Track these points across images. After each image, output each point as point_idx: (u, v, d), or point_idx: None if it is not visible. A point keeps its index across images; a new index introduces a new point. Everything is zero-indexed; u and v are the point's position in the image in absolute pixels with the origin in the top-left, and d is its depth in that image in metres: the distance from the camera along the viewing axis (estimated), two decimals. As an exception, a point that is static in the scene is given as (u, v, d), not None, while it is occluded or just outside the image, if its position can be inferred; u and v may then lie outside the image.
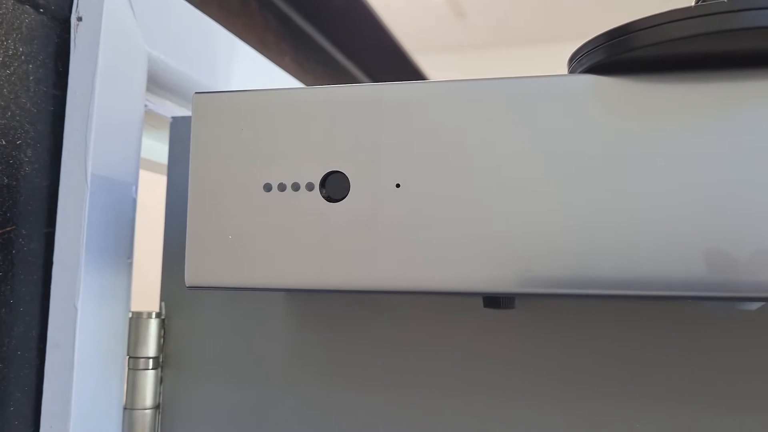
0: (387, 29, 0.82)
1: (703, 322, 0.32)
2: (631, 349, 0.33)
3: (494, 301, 0.32)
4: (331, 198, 0.28)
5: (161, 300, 0.40)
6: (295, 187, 0.28)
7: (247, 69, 0.50)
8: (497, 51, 3.08)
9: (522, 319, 0.34)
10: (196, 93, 0.29)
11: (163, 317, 0.40)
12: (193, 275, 0.29)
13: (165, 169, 0.41)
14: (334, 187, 0.28)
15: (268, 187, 0.28)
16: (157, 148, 0.47)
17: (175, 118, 0.41)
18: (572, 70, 0.28)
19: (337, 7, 0.79)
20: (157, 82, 0.40)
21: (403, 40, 0.91)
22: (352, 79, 0.93)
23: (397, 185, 0.27)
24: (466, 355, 0.35)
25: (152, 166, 0.49)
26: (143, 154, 0.39)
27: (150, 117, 0.41)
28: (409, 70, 0.97)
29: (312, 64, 0.83)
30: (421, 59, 1.03)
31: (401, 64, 0.94)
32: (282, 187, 0.28)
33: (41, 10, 0.33)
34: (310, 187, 0.28)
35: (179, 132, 0.41)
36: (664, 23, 0.24)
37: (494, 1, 2.70)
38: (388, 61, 0.94)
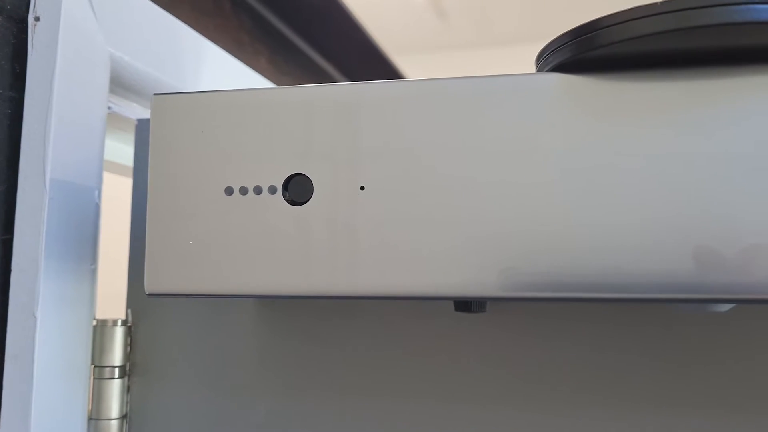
0: (363, 29, 0.81)
1: (676, 324, 0.32)
2: (604, 352, 0.33)
3: (465, 305, 0.31)
4: (294, 201, 0.27)
5: (127, 307, 0.39)
6: (257, 190, 0.27)
7: (217, 70, 0.49)
8: (479, 51, 3.08)
9: (495, 322, 0.34)
10: (155, 94, 0.29)
11: (129, 324, 0.39)
12: (153, 282, 0.28)
13: (130, 171, 0.40)
14: (298, 190, 0.27)
15: (229, 191, 0.27)
16: (124, 150, 0.46)
17: (140, 121, 0.40)
18: (539, 69, 0.27)
19: (313, 7, 0.78)
20: (121, 84, 0.39)
21: (385, 40, 0.91)
22: (329, 80, 0.92)
23: (362, 188, 0.26)
24: (440, 361, 0.34)
25: (120, 169, 0.48)
26: (110, 157, 0.38)
27: (115, 119, 0.41)
28: (387, 70, 0.96)
29: (289, 66, 0.82)
30: (403, 59, 1.03)
31: (378, 65, 0.94)
32: (244, 191, 0.27)
33: (-4, 9, 0.32)
34: (272, 190, 0.27)
35: (145, 134, 0.40)
36: (630, 20, 0.24)
37: (476, 2, 2.70)
38: (366, 61, 0.93)
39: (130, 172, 0.40)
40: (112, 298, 0.44)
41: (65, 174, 0.34)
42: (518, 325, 0.33)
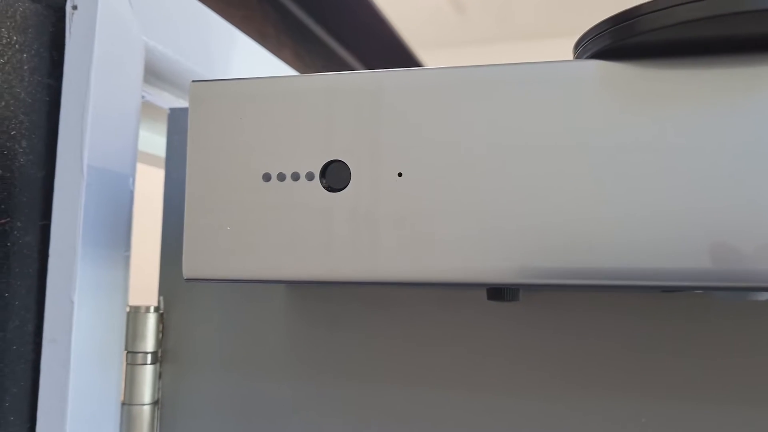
0: (388, 22, 0.81)
1: (712, 316, 0.32)
2: (637, 344, 0.32)
3: (498, 292, 0.31)
4: (331, 188, 0.27)
5: (159, 294, 0.40)
6: (295, 176, 0.27)
7: (246, 60, 0.49)
8: (499, 46, 3.07)
9: (527, 312, 0.34)
10: (194, 81, 0.29)
11: (161, 311, 0.39)
12: (190, 267, 0.28)
13: (161, 162, 0.41)
14: (335, 176, 0.27)
15: (267, 177, 0.28)
16: (154, 140, 0.46)
17: (173, 110, 0.40)
18: (577, 57, 0.27)
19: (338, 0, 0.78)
20: (154, 73, 0.39)
21: (403, 36, 0.91)
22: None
23: (399, 174, 0.26)
24: (470, 352, 0.34)
25: (149, 159, 0.49)
26: (140, 147, 0.39)
27: (147, 108, 0.41)
28: (411, 65, 0.96)
29: (312, 57, 0.82)
30: (422, 55, 1.03)
31: (403, 58, 0.94)
32: (281, 177, 0.28)
33: (35, -2, 0.33)
34: (310, 176, 0.27)
35: (177, 124, 0.40)
36: (672, 6, 0.24)
37: (495, -4, 2.68)
38: (390, 55, 0.93)
39: (159, 162, 0.41)
40: (139, 289, 0.44)
41: (102, 161, 0.34)
42: (551, 316, 0.33)
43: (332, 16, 0.81)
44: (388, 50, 0.91)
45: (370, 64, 0.94)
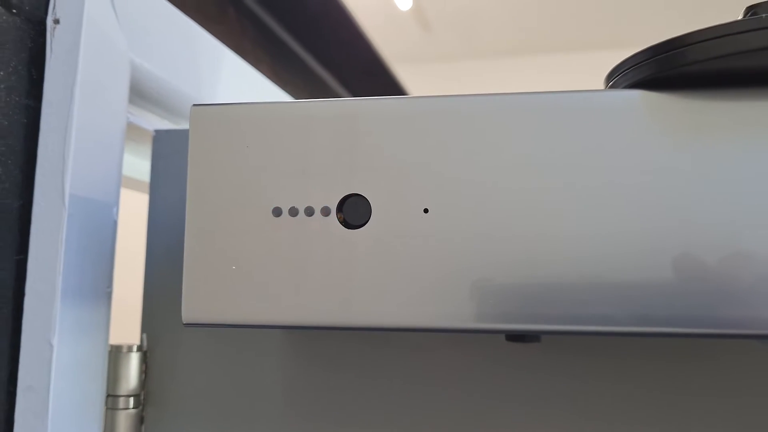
0: (367, 38, 0.80)
1: (744, 356, 0.30)
2: (660, 386, 0.31)
3: (518, 335, 0.29)
4: (349, 224, 0.25)
5: (142, 332, 0.36)
6: (309, 211, 0.25)
7: (232, 78, 0.47)
8: (463, 63, 3.08)
9: (547, 353, 0.32)
10: (194, 105, 0.26)
11: (144, 350, 0.36)
12: (191, 311, 0.25)
13: (144, 187, 0.38)
14: (354, 212, 0.25)
15: (277, 212, 0.25)
16: (135, 163, 0.43)
17: (158, 132, 0.37)
18: (613, 86, 0.26)
19: (315, 14, 0.76)
20: (139, 92, 0.36)
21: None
22: (330, 91, 0.90)
23: (425, 210, 0.24)
24: (484, 395, 0.32)
25: (130, 184, 0.46)
26: (123, 171, 0.36)
27: (130, 130, 0.38)
28: (388, 82, 0.94)
29: (290, 74, 0.79)
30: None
31: (380, 75, 0.92)
32: (294, 212, 0.25)
33: (14, 10, 0.30)
34: (326, 211, 0.25)
35: (162, 147, 0.38)
36: (720, 36, 0.22)
37: (460, 14, 2.70)
38: (367, 73, 0.91)
39: (139, 186, 0.38)
40: (118, 326, 0.41)
41: (84, 189, 0.31)
42: (571, 360, 0.31)
43: (310, 31, 0.79)
44: (365, 67, 0.89)
45: (347, 81, 0.92)
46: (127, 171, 0.43)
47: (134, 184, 0.46)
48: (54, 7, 0.31)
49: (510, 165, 0.24)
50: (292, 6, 0.72)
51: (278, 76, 0.77)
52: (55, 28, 0.31)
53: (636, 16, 2.50)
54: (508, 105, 0.24)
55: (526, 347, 0.32)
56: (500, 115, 0.24)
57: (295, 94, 0.80)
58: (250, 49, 0.71)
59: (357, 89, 0.96)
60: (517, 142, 0.24)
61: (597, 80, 0.28)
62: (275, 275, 0.25)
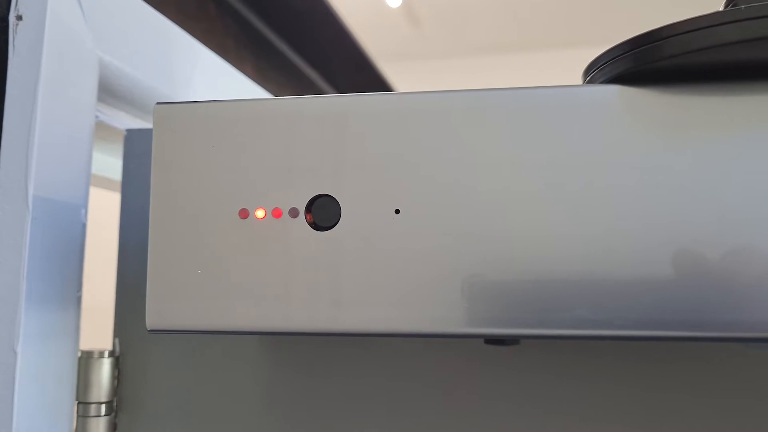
0: (352, 35, 0.79)
1: (715, 361, 0.30)
2: (642, 389, 0.30)
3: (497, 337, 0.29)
4: (318, 226, 0.24)
5: (115, 336, 0.35)
6: (277, 213, 0.24)
7: (209, 76, 0.46)
8: (453, 60, 3.07)
9: (526, 355, 0.31)
10: (158, 104, 0.25)
11: (117, 356, 0.35)
12: (155, 317, 0.25)
13: (115, 185, 0.37)
14: (323, 213, 0.24)
15: (244, 214, 0.24)
16: (107, 161, 0.42)
17: (129, 131, 0.36)
18: (590, 81, 0.25)
19: (298, 11, 0.75)
20: (109, 91, 0.35)
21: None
22: (314, 89, 0.89)
23: (397, 211, 0.23)
24: (460, 397, 0.31)
25: (103, 183, 0.45)
26: (94, 170, 0.35)
27: (101, 129, 0.37)
28: (373, 79, 0.93)
29: (274, 72, 0.78)
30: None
31: (366, 72, 0.91)
32: (261, 214, 0.24)
33: (-27, 6, 0.29)
34: (294, 213, 0.24)
35: (134, 146, 0.37)
36: (711, 26, 0.22)
37: (450, 10, 2.69)
38: (352, 70, 0.90)
39: (112, 185, 0.37)
40: (90, 331, 0.40)
41: (49, 191, 0.30)
42: (551, 361, 0.31)
43: (294, 29, 0.78)
44: (350, 65, 0.88)
45: (332, 79, 0.91)
46: (101, 171, 0.42)
47: (109, 184, 0.45)
48: (17, 3, 0.30)
49: (485, 163, 0.23)
50: (275, 2, 0.71)
51: (262, 74, 0.76)
52: (17, 24, 0.30)
53: (626, 13, 2.49)
54: (482, 102, 0.23)
55: (507, 348, 0.31)
56: (473, 112, 0.23)
57: (280, 91, 0.79)
58: (232, 47, 0.70)
59: (343, 86, 0.95)
60: (491, 139, 0.23)
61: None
62: (243, 279, 0.24)
